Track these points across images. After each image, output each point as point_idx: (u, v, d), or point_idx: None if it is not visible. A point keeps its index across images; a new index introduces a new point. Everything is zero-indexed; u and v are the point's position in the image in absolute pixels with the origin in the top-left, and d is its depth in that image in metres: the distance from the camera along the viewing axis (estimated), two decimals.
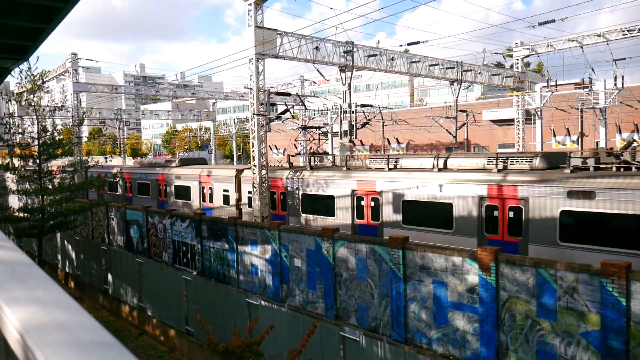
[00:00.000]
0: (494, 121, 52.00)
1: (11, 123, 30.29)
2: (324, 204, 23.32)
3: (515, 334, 12.83)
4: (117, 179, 38.13)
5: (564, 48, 32.90)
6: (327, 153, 45.36)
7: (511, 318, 12.91)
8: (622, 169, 16.12)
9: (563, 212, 15.77)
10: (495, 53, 39.44)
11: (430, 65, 30.64)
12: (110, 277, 29.05)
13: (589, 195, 15.22)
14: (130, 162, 61.69)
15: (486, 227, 17.63)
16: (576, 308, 11.76)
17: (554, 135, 43.64)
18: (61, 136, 29.76)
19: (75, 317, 1.12)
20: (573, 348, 11.84)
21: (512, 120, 39.04)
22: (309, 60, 24.38)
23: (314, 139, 46.70)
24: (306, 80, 55.59)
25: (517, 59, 35.86)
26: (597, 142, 41.16)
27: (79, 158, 37.72)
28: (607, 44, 30.53)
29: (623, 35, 29.52)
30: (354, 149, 62.38)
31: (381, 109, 47.37)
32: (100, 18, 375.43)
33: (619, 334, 11.02)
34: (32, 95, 26.72)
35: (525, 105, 37.33)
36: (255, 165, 23.37)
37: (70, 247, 33.98)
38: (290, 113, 32.24)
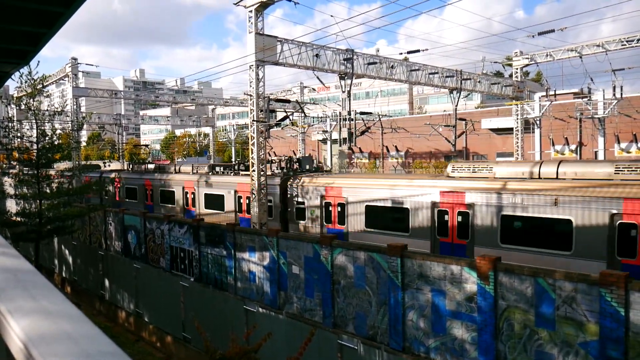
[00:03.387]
0: (493, 130, 52.13)
1: (10, 127, 30.22)
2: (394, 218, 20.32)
3: (514, 343, 12.79)
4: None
5: (563, 58, 33.04)
6: None
7: (509, 327, 12.87)
8: None
9: None
10: (495, 62, 39.62)
11: (430, 74, 30.72)
12: (107, 282, 28.94)
13: None
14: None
15: (620, 250, 14.88)
16: (575, 318, 11.73)
17: (553, 145, 43.73)
18: (60, 141, 29.70)
19: (80, 327, 1.11)
20: (571, 358, 11.80)
21: (511, 129, 39.15)
22: (309, 67, 24.43)
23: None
24: (306, 87, 55.67)
25: (517, 68, 36.00)
26: (595, 152, 41.28)
27: (77, 163, 37.67)
28: (606, 54, 30.67)
29: (622, 45, 29.67)
30: (353, 157, 62.48)
31: (380, 116, 47.46)
32: (101, 22, 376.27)
33: (617, 344, 10.99)
34: (31, 100, 26.70)
35: (524, 114, 37.44)
36: (254, 172, 23.34)
37: (67, 251, 33.87)
38: (290, 120, 32.27)
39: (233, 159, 72.44)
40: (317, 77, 26.06)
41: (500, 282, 12.94)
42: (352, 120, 26.83)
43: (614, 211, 14.87)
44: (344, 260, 16.63)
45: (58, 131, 30.31)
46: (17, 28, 7.79)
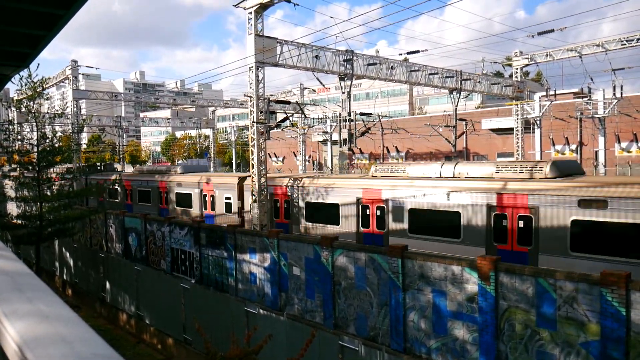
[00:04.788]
0: (493, 130, 52.13)
1: (11, 130, 30.25)
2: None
3: (515, 343, 12.77)
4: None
5: (563, 58, 33.02)
6: None
7: (510, 328, 12.85)
8: None
9: None
10: (495, 62, 39.58)
11: (430, 74, 30.70)
12: (108, 284, 28.94)
13: None
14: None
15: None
16: (576, 318, 11.71)
17: (553, 145, 43.75)
18: (61, 143, 29.71)
19: (76, 330, 1.10)
20: (573, 358, 11.78)
21: (511, 129, 39.13)
22: (308, 68, 24.42)
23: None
24: (306, 88, 55.68)
25: (516, 69, 35.98)
26: (596, 152, 41.26)
27: (77, 165, 37.68)
28: (606, 53, 30.64)
29: (622, 45, 29.65)
30: (353, 158, 62.51)
31: (380, 117, 47.44)
32: (101, 24, 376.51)
33: (618, 344, 10.97)
34: (31, 102, 26.71)
35: (525, 114, 37.42)
36: (254, 174, 23.32)
37: (68, 254, 33.87)
38: (290, 121, 32.25)
39: (233, 161, 72.60)
40: (317, 79, 26.03)
41: (501, 283, 12.93)
42: (352, 121, 26.79)
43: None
44: (345, 262, 16.62)
45: (58, 134, 30.31)
46: (16, 30, 7.78)
